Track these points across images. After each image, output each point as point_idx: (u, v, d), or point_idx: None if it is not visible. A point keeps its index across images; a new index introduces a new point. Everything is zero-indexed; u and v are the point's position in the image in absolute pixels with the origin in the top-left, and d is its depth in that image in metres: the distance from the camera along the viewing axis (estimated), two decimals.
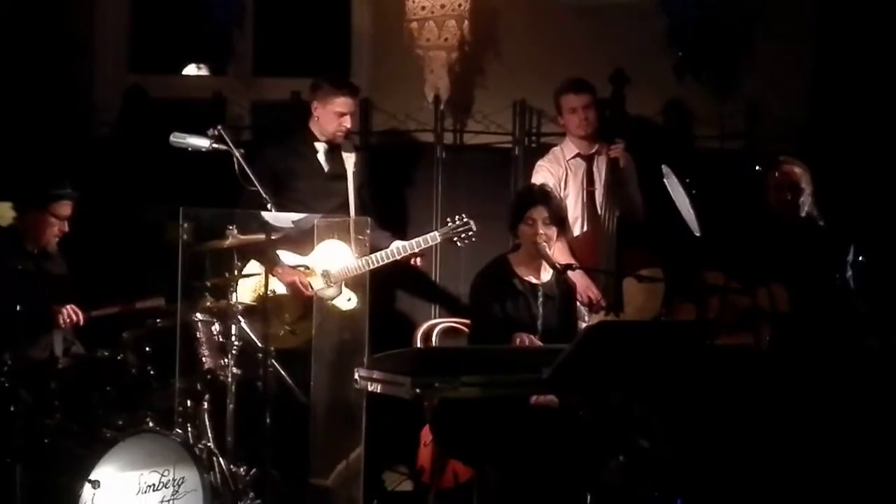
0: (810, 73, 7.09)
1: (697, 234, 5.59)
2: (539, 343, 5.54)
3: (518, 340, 5.49)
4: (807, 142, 6.85)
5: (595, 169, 6.54)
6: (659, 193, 6.08)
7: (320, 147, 6.48)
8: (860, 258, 6.15)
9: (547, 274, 5.80)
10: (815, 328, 5.83)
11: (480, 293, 5.76)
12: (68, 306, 5.74)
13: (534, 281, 5.77)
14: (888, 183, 6.75)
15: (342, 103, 6.43)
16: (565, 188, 6.49)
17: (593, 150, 6.56)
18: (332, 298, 6.20)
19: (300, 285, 6.18)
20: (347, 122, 6.46)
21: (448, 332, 6.27)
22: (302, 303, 6.21)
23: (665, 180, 5.78)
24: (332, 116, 6.43)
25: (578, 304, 6.13)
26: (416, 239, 6.21)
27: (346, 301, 6.24)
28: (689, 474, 5.50)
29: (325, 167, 6.48)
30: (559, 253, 6.06)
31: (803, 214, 6.13)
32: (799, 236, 6.09)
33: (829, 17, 7.04)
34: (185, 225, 5.56)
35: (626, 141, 6.49)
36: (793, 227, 6.11)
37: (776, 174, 6.15)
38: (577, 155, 6.56)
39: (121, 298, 5.95)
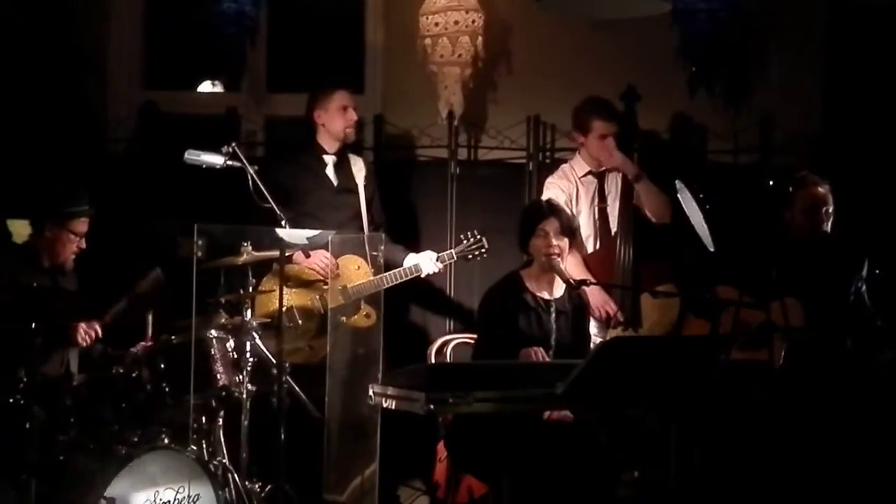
0: (823, 86, 7.09)
1: (712, 250, 5.58)
2: (544, 356, 5.55)
3: (528, 354, 5.50)
4: (820, 155, 6.85)
5: (606, 186, 6.54)
6: (672, 208, 6.10)
7: (329, 160, 6.50)
8: (875, 272, 6.12)
9: (559, 289, 5.80)
10: (830, 343, 5.81)
11: (490, 310, 5.77)
12: (83, 324, 5.72)
13: (546, 296, 5.77)
14: None
15: (341, 97, 6.47)
16: (577, 205, 6.47)
17: (604, 168, 6.55)
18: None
19: (325, 259, 6.22)
20: (353, 115, 6.50)
21: (462, 348, 6.27)
22: (319, 316, 6.23)
23: (679, 196, 5.77)
24: (337, 115, 6.46)
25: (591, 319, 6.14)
26: (437, 264, 6.29)
27: (365, 317, 6.27)
28: (705, 489, 5.49)
29: (335, 181, 6.50)
30: (574, 268, 6.06)
31: (826, 232, 6.09)
32: (814, 251, 6.06)
33: (842, 29, 7.03)
34: (199, 241, 5.56)
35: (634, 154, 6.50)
36: (810, 244, 6.08)
37: (807, 195, 6.08)
38: (589, 172, 6.55)
39: (121, 290, 5.93)
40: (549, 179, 6.59)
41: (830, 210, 6.08)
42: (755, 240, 6.14)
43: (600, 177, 6.54)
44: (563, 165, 6.65)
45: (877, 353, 5.86)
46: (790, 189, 6.12)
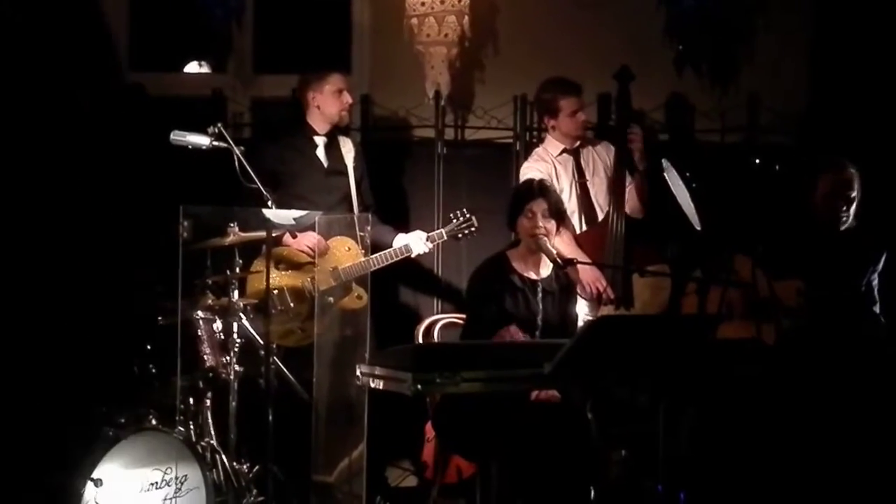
0: (810, 65, 7.09)
1: (698, 228, 5.58)
2: (521, 336, 5.55)
3: (502, 336, 5.50)
4: (807, 134, 6.85)
5: (583, 161, 6.53)
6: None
7: (319, 142, 6.49)
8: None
9: (546, 269, 5.80)
10: (830, 329, 5.78)
11: (476, 290, 5.76)
12: None
13: (533, 276, 5.77)
14: (889, 175, 6.74)
15: (336, 80, 6.47)
16: (558, 184, 6.44)
17: (577, 144, 6.54)
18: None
19: (313, 240, 6.21)
20: (348, 98, 6.49)
21: (450, 328, 6.27)
22: (311, 298, 6.22)
23: (665, 174, 5.78)
24: (332, 97, 6.44)
25: (579, 298, 6.13)
26: (427, 243, 6.28)
27: (357, 299, 6.27)
28: (693, 468, 5.50)
29: (325, 162, 6.49)
30: (564, 247, 6.05)
31: (850, 222, 6.01)
32: (832, 239, 6.00)
33: (829, 8, 7.03)
34: (185, 223, 5.55)
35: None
36: (831, 231, 6.02)
37: (830, 178, 6.01)
38: (564, 150, 6.54)
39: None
40: (526, 164, 6.56)
41: (853, 195, 5.99)
42: (750, 218, 6.11)
43: (575, 153, 6.53)
44: (537, 149, 6.64)
45: (880, 348, 5.83)
46: (809, 172, 6.05)
